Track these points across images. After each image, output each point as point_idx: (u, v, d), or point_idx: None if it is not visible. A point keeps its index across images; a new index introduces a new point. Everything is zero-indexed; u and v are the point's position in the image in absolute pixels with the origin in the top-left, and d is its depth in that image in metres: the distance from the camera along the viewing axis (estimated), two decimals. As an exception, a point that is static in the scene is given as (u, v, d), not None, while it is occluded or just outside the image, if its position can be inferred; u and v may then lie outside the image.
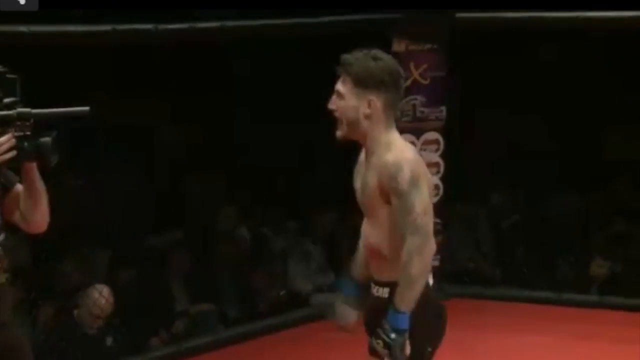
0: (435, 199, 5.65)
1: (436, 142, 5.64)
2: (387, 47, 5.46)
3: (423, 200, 2.47)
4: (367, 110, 2.49)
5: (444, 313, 2.59)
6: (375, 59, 2.51)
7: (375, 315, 2.56)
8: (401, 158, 2.48)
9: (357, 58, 2.51)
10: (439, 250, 5.67)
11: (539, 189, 6.58)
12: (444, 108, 5.61)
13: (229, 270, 5.60)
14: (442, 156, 5.62)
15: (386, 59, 2.53)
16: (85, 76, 5.61)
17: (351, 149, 2.68)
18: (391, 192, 2.47)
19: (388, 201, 2.49)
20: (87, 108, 2.47)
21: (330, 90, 2.59)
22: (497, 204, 6.57)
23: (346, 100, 2.51)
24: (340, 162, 2.75)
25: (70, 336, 4.44)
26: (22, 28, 4.00)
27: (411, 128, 5.57)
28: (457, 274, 5.96)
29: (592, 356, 4.81)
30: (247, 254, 5.81)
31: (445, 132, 5.61)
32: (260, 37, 5.16)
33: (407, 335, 2.45)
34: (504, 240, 6.36)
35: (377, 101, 2.49)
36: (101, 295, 4.49)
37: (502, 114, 6.81)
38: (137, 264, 5.25)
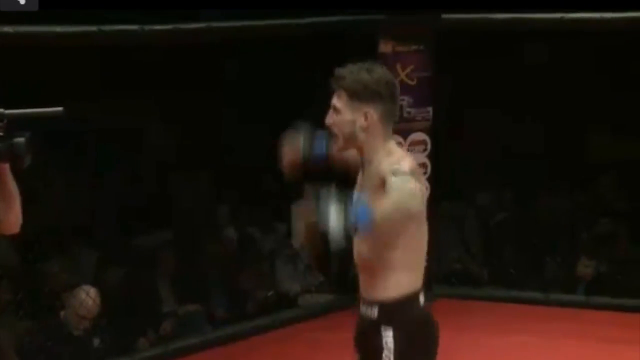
0: (423, 200, 5.70)
1: (423, 142, 5.66)
2: (373, 48, 5.48)
3: (418, 187, 2.46)
4: (364, 123, 2.48)
5: (437, 329, 2.59)
6: (368, 71, 2.50)
7: (364, 336, 2.57)
8: (403, 158, 2.49)
9: (350, 71, 2.51)
10: (427, 251, 5.70)
11: (527, 189, 6.60)
12: (430, 109, 5.62)
13: (216, 270, 5.60)
14: (429, 157, 5.64)
15: (380, 70, 2.53)
16: (72, 77, 5.60)
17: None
18: (388, 175, 2.44)
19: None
20: (60, 108, 2.46)
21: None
22: (485, 205, 6.59)
23: (342, 114, 2.50)
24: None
25: (57, 337, 4.42)
26: (7, 29, 3.99)
27: (398, 129, 5.55)
28: (445, 275, 5.98)
29: (579, 356, 4.83)
30: (234, 255, 5.81)
31: (432, 132, 5.63)
32: (246, 38, 5.16)
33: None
34: (492, 240, 6.38)
35: (373, 113, 2.48)
36: (88, 296, 4.47)
37: (489, 115, 6.83)
38: (124, 265, 5.24)
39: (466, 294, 5.80)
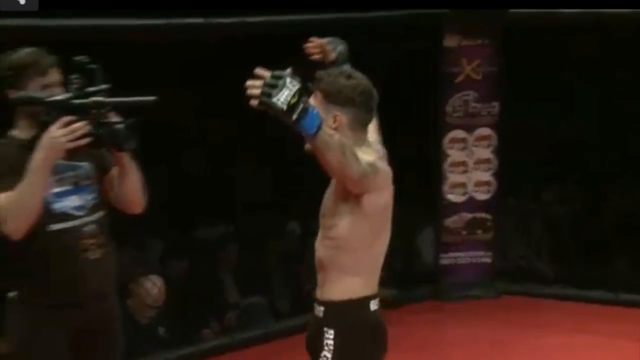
0: (488, 196, 5.67)
1: (488, 137, 5.61)
2: (437, 43, 5.44)
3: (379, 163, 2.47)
4: (332, 125, 2.49)
5: (384, 337, 2.57)
6: (347, 77, 2.52)
7: (314, 338, 2.56)
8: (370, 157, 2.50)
9: (329, 74, 2.54)
10: (491, 247, 5.66)
11: (595, 186, 6.49)
12: (496, 104, 5.57)
13: (279, 263, 5.64)
14: (495, 152, 5.59)
15: (359, 78, 2.54)
16: (135, 70, 5.68)
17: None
18: None
19: (344, 197, 2.47)
20: (153, 98, 2.60)
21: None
22: (552, 201, 6.50)
23: None
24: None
25: (123, 325, 4.50)
26: (87, 21, 4.09)
27: (463, 124, 5.55)
28: (510, 271, 5.91)
29: (646, 358, 4.73)
30: (297, 248, 5.84)
31: (498, 127, 5.57)
32: (309, 33, 5.17)
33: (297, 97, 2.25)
34: (559, 237, 6.29)
35: (342, 117, 2.50)
36: (154, 285, 4.56)
37: (556, 110, 6.73)
38: (189, 256, 5.32)
39: (532, 292, 5.73)
